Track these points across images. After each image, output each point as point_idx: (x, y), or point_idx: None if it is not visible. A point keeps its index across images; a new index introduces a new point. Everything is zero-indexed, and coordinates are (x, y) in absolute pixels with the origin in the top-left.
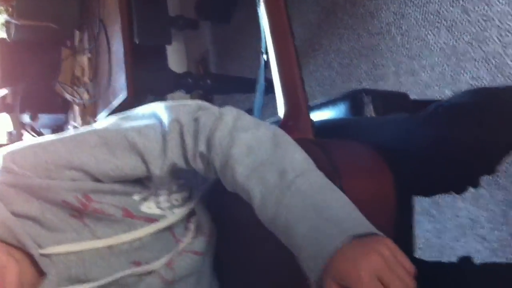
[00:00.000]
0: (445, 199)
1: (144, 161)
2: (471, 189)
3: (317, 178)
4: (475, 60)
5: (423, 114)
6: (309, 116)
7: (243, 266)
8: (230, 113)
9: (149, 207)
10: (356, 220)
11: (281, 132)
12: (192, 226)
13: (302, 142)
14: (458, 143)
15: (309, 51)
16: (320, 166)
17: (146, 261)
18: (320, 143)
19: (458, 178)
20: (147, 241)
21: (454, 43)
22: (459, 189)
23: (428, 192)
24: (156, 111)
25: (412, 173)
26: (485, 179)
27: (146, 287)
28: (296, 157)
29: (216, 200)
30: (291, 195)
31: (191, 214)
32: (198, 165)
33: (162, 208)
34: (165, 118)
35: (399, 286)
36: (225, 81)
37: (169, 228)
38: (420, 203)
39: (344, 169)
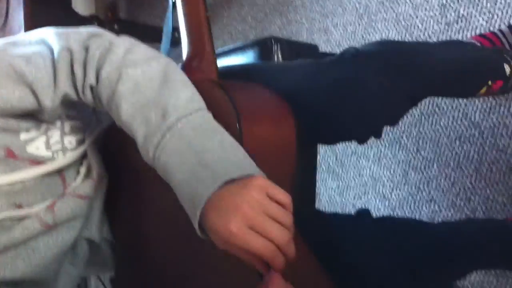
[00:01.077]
0: (349, 158)
1: (33, 92)
2: (374, 149)
3: (200, 119)
4: (386, 20)
5: (330, 59)
6: (213, 56)
7: (137, 209)
8: (122, 45)
9: (37, 148)
10: (233, 163)
11: (172, 68)
12: (83, 169)
13: (203, 83)
14: (362, 86)
15: (222, 3)
16: (220, 108)
17: (28, 204)
18: (222, 84)
19: (361, 125)
20: (31, 184)
21: (367, 2)
22: (362, 138)
23: (331, 138)
24: (45, 38)
25: (316, 117)
26: (388, 139)
27: (22, 230)
28: (182, 97)
29: (111, 142)
30: (171, 138)
31: (84, 157)
32: (87, 97)
33: (53, 150)
34: (55, 45)
35: (273, 230)
36: (134, 28)
37: (59, 172)
38: (326, 162)
39: (245, 112)
